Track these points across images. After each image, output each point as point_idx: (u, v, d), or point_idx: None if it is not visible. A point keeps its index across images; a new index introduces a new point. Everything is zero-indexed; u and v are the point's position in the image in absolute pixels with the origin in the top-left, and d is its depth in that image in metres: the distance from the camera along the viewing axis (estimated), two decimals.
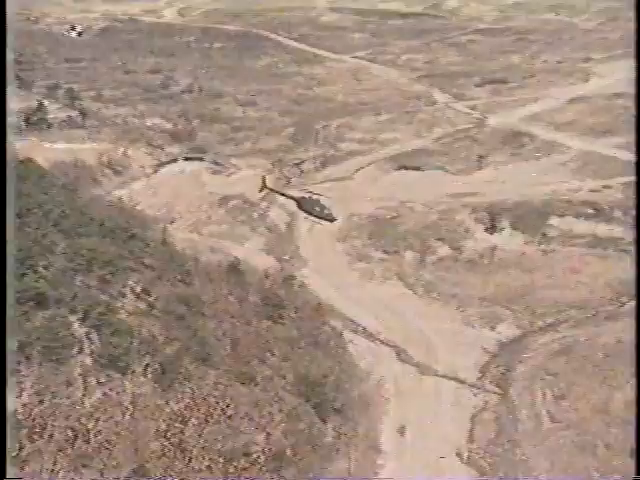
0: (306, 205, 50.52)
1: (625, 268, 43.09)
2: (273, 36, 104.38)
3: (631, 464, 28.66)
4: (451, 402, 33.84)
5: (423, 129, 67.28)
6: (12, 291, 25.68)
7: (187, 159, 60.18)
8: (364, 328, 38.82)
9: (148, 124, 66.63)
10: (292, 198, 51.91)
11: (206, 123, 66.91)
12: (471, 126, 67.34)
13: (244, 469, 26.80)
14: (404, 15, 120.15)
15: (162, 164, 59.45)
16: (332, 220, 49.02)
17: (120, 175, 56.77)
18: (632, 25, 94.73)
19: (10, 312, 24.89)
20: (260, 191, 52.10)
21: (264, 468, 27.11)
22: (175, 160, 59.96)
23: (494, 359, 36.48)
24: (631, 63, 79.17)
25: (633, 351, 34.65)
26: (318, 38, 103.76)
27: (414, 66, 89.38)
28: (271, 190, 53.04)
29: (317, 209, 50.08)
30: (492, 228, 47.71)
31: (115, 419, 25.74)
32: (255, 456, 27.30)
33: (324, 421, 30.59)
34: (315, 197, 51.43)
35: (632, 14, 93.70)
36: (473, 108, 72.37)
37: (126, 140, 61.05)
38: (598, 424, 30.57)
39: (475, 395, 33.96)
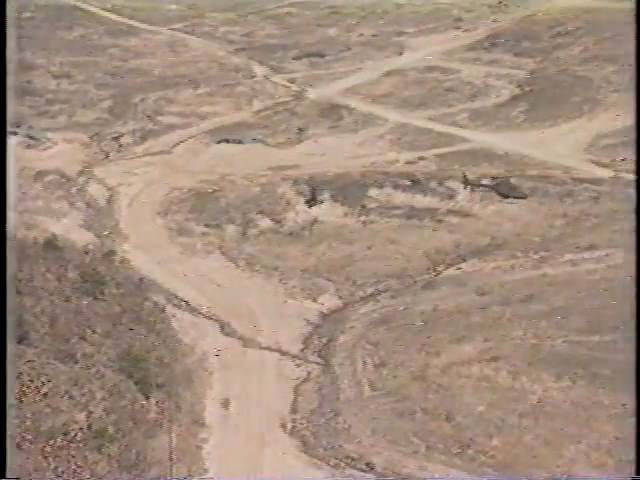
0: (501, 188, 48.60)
1: (441, 238, 44.33)
2: (85, 6, 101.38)
3: (447, 427, 29.83)
4: (275, 374, 34.08)
5: (243, 102, 67.08)
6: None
7: None
8: (187, 302, 38.52)
9: None
10: (487, 186, 49.19)
11: (18, 96, 64.75)
12: (290, 99, 67.59)
13: (61, 448, 26.38)
14: None
15: None
16: (525, 197, 47.58)
17: None
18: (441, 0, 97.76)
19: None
20: None
21: (85, 446, 26.73)
22: None
23: (316, 330, 36.91)
24: (442, 37, 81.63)
25: (452, 318, 35.88)
26: (133, 9, 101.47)
27: (232, 39, 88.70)
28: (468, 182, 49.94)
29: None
30: (312, 200, 48.18)
31: None
32: (73, 434, 26.91)
33: (147, 397, 30.22)
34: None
35: None
36: (292, 81, 72.60)
37: None
38: (416, 390, 31.34)
39: (298, 366, 34.27)
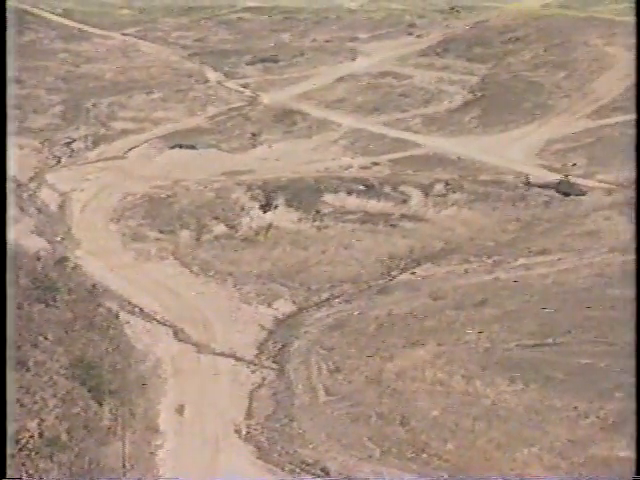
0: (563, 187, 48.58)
1: (395, 243, 44.49)
2: (36, 10, 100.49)
3: (402, 431, 29.95)
4: (229, 380, 34.00)
5: (196, 107, 66.86)
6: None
7: None
8: (141, 309, 38.16)
9: None
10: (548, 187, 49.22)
11: None
12: (244, 104, 67.50)
13: (12, 456, 25.97)
14: None
15: None
16: (584, 194, 47.79)
17: None
18: (394, 5, 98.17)
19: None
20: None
21: (36, 454, 26.46)
22: None
23: (271, 335, 36.87)
24: (395, 43, 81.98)
25: (406, 322, 36.07)
26: (85, 14, 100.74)
27: (185, 44, 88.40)
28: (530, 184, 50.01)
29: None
30: (267, 206, 48.14)
31: None
32: (25, 442, 26.62)
33: (100, 404, 29.97)
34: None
35: None
36: (245, 86, 72.51)
37: None
38: (371, 395, 31.42)
39: (253, 372, 34.22)
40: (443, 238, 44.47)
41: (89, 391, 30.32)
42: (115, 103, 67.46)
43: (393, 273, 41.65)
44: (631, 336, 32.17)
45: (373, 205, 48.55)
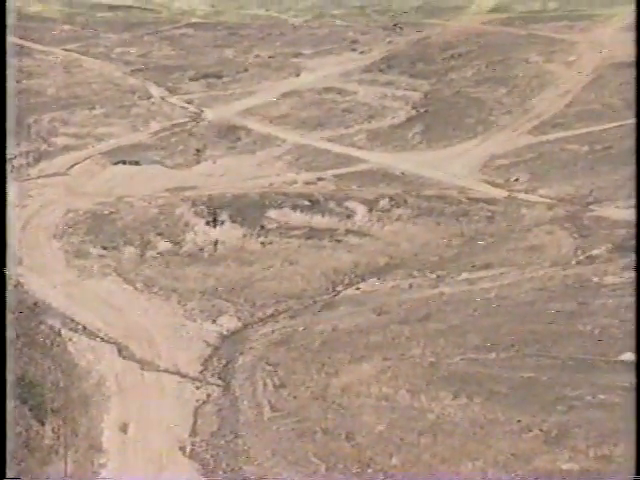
0: None
1: (339, 258, 44.57)
2: None
3: (347, 446, 29.95)
4: (174, 397, 33.78)
5: (139, 123, 66.49)
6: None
7: None
8: (84, 326, 37.76)
9: None
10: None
11: None
12: (187, 120, 67.28)
13: None
14: (113, 8, 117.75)
15: None
16: None
17: None
18: (338, 22, 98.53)
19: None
20: None
21: None
22: None
23: (216, 352, 36.71)
24: (339, 59, 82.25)
25: (351, 337, 36.11)
26: (25, 29, 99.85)
27: (127, 59, 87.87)
28: None
29: None
30: (212, 222, 48.00)
31: None
32: None
33: (42, 423, 29.73)
34: None
35: (337, 12, 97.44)
36: (189, 102, 72.25)
37: None
38: (316, 410, 31.41)
39: (198, 388, 34.05)
40: (387, 253, 44.65)
41: (31, 410, 29.99)
42: (57, 119, 66.76)
43: (338, 288, 41.72)
44: (572, 349, 32.66)
45: (318, 220, 48.61)
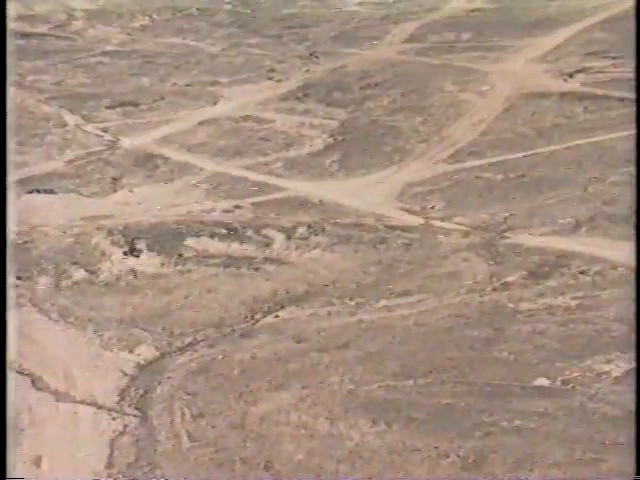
0: None
1: (258, 286, 44.41)
2: None
3: (266, 475, 29.81)
4: (90, 428, 33.23)
5: (54, 151, 65.56)
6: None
7: None
8: None
9: None
10: None
11: None
12: (103, 148, 66.47)
13: None
14: (27, 35, 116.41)
15: None
16: None
17: None
18: (255, 50, 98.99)
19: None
20: None
21: None
22: None
23: (133, 382, 36.18)
24: (256, 87, 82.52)
25: (270, 366, 35.98)
26: None
27: (41, 87, 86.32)
28: None
29: None
30: (129, 250, 47.52)
31: None
32: None
33: None
34: None
35: (253, 40, 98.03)
36: (105, 130, 71.33)
37: None
38: (235, 440, 31.11)
39: (114, 419, 33.51)
40: (306, 281, 44.62)
41: None
42: None
43: (257, 316, 41.49)
44: (489, 375, 33.11)
45: (236, 249, 48.38)
